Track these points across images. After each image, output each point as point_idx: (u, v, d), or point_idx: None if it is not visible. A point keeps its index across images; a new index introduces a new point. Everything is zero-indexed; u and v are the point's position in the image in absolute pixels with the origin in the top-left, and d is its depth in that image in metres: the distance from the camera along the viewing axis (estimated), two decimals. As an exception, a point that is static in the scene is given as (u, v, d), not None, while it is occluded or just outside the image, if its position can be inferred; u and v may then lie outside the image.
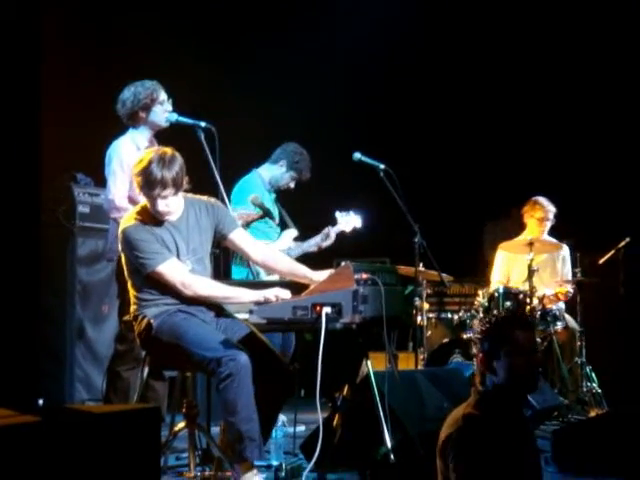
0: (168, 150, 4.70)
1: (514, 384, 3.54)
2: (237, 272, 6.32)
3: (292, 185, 6.76)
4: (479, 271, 8.61)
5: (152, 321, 4.67)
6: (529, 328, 3.62)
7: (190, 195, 4.87)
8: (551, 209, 7.61)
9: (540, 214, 7.60)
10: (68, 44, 7.70)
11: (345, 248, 6.81)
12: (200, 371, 4.74)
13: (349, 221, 6.69)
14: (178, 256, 4.73)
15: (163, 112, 5.69)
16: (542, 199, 7.63)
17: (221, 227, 4.89)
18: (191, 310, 4.71)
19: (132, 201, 5.50)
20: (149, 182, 4.60)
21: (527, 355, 3.54)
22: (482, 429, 3.48)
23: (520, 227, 7.78)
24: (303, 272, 4.88)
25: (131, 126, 5.73)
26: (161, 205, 4.66)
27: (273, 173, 6.74)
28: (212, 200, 5.01)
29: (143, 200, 4.83)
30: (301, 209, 7.06)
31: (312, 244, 6.65)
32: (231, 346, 4.54)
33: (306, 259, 6.64)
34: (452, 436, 3.50)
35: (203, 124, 5.52)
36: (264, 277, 6.17)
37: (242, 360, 4.46)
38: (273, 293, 4.60)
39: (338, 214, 6.69)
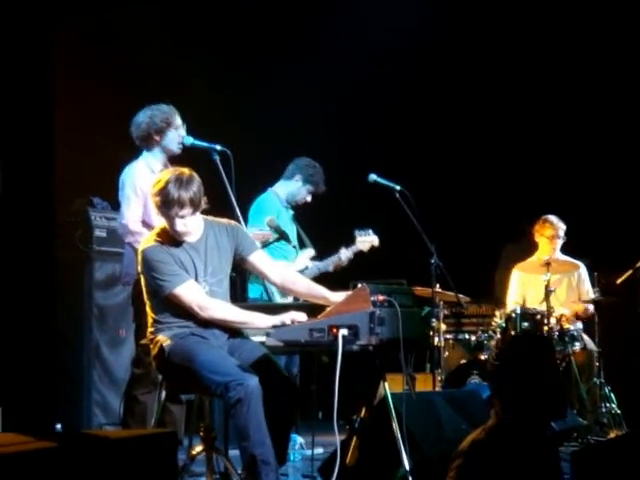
0: (186, 170, 4.73)
1: (539, 410, 3.48)
2: (252, 290, 6.32)
3: (309, 199, 6.78)
4: (495, 292, 8.59)
5: (165, 344, 4.67)
6: (554, 351, 3.58)
7: (210, 217, 4.89)
8: (561, 226, 7.59)
9: (550, 232, 7.58)
10: (83, 68, 7.75)
11: (361, 269, 6.81)
12: (210, 395, 4.73)
13: (367, 240, 6.70)
14: (196, 278, 4.73)
15: (177, 137, 5.72)
16: (551, 217, 7.62)
17: (241, 249, 4.90)
18: (204, 334, 4.71)
19: (146, 225, 5.51)
20: (167, 202, 4.62)
21: (557, 379, 3.50)
22: (487, 456, 3.42)
23: (535, 246, 7.76)
24: (321, 293, 4.88)
25: (145, 149, 5.75)
26: (179, 225, 4.68)
27: (289, 189, 6.76)
28: (232, 222, 5.03)
29: (158, 223, 4.85)
30: (318, 229, 7.07)
31: (329, 263, 6.67)
32: (240, 370, 4.54)
33: (322, 281, 6.64)
34: (455, 458, 3.46)
35: (219, 147, 5.55)
36: (278, 297, 6.17)
37: (251, 384, 4.45)
38: (289, 317, 4.61)
39: (357, 233, 6.70)
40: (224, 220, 4.98)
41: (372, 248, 6.74)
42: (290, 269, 5.54)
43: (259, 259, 4.97)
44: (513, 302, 7.65)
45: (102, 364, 7.06)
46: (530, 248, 8.50)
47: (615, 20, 8.63)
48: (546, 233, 7.59)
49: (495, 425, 3.51)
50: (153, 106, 5.74)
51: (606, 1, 8.71)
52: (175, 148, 5.74)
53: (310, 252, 6.72)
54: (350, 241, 6.72)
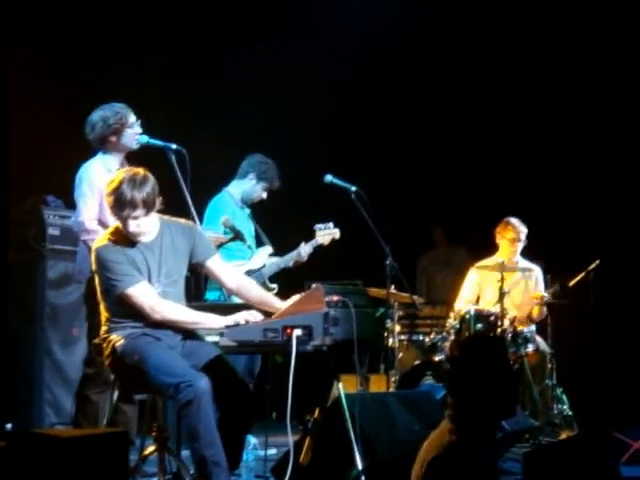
0: (140, 171, 4.71)
1: (491, 409, 3.51)
2: (210, 294, 6.31)
3: (264, 196, 6.77)
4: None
5: (117, 344, 4.66)
6: (506, 352, 3.62)
7: (167, 217, 4.87)
8: (522, 230, 7.62)
9: (511, 235, 7.61)
10: (36, 67, 7.67)
11: (317, 270, 6.81)
12: (162, 396, 4.72)
13: (328, 233, 6.70)
14: (149, 279, 4.72)
15: (133, 135, 5.68)
16: (514, 220, 7.64)
17: (198, 252, 4.89)
18: (157, 334, 4.70)
19: (102, 224, 5.48)
20: (119, 202, 4.60)
21: (509, 379, 3.53)
22: (464, 456, 3.45)
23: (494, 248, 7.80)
24: (273, 303, 4.88)
25: (101, 150, 5.71)
26: (132, 226, 4.65)
27: (243, 188, 6.74)
28: (190, 223, 5.03)
29: (113, 222, 4.82)
30: (276, 226, 7.07)
31: (288, 260, 6.66)
32: (190, 371, 4.54)
33: (279, 280, 6.65)
34: (435, 462, 3.47)
35: (174, 146, 5.54)
36: (236, 298, 6.16)
37: (201, 385, 4.45)
38: (243, 317, 4.63)
39: (317, 227, 6.70)
40: (181, 220, 4.97)
41: (333, 241, 6.74)
42: (246, 277, 5.51)
43: (216, 265, 4.97)
44: (465, 301, 7.67)
45: (54, 363, 6.99)
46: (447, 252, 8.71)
47: (598, 17, 8.69)
48: (508, 236, 7.62)
49: (457, 426, 3.53)
50: (105, 106, 5.69)
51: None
52: (132, 145, 5.70)
53: (268, 250, 6.71)
54: (309, 238, 6.72)
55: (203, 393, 4.44)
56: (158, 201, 4.71)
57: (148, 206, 4.64)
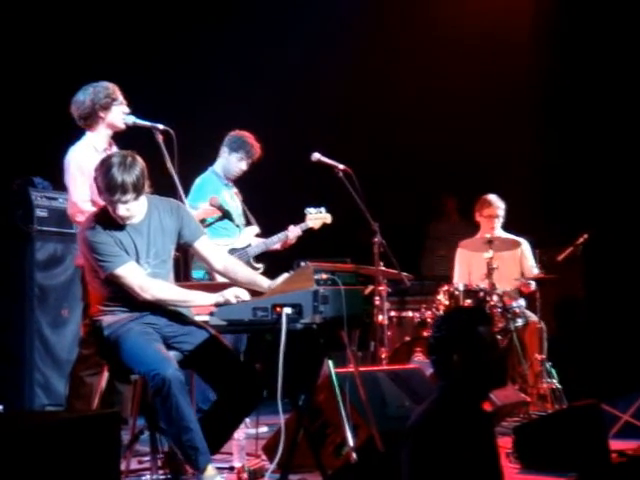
0: (129, 154, 4.68)
1: (482, 379, 3.53)
2: (195, 273, 6.31)
3: (243, 167, 6.78)
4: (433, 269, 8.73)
5: (104, 327, 4.69)
6: (490, 323, 3.64)
7: (155, 196, 4.86)
8: (499, 205, 7.67)
9: (488, 211, 7.67)
10: (18, 45, 7.63)
11: (306, 249, 6.81)
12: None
13: (319, 217, 6.71)
14: (137, 260, 4.72)
15: (121, 113, 5.66)
16: (491, 196, 7.69)
17: (186, 232, 4.89)
18: (145, 320, 4.71)
19: (95, 204, 5.46)
20: (110, 187, 4.59)
21: (495, 349, 3.55)
22: (440, 426, 3.47)
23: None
24: (260, 283, 4.88)
25: (88, 129, 5.68)
26: (122, 210, 4.64)
27: (223, 165, 6.81)
28: (178, 203, 5.02)
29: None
30: (263, 207, 7.06)
31: (275, 241, 6.67)
32: (159, 359, 4.55)
33: (266, 260, 6.65)
34: (409, 431, 3.50)
35: (161, 126, 5.54)
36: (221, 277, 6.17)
37: (168, 373, 4.48)
38: (232, 294, 4.63)
39: (308, 210, 6.70)
40: (169, 200, 4.97)
41: (324, 225, 6.76)
42: (233, 258, 5.51)
43: (204, 246, 4.97)
44: (458, 279, 7.71)
45: (44, 345, 6.99)
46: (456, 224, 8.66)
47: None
48: (485, 212, 7.69)
49: (440, 395, 3.55)
50: (93, 84, 5.67)
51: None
52: (120, 123, 5.68)
53: (254, 229, 6.73)
54: (298, 220, 6.72)
55: (171, 381, 4.46)
56: (147, 184, 4.69)
57: (138, 190, 4.62)
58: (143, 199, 4.73)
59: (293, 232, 6.70)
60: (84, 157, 5.57)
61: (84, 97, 5.63)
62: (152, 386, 4.50)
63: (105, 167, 4.61)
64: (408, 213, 9.36)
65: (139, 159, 4.68)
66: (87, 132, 5.69)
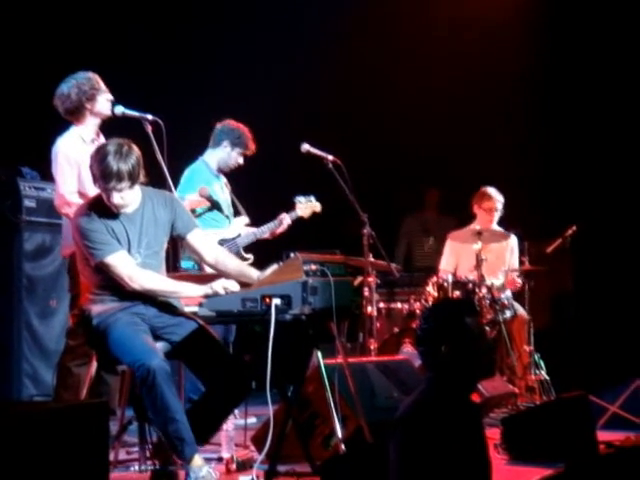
0: (125, 142, 4.67)
1: (470, 370, 3.54)
2: (184, 264, 6.29)
3: (240, 161, 6.73)
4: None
5: (93, 317, 4.69)
6: (477, 314, 3.65)
7: (149, 188, 4.86)
8: (499, 199, 7.67)
9: (488, 204, 7.65)
10: (4, 34, 7.60)
11: (295, 240, 6.80)
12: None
13: (309, 206, 6.70)
14: (129, 249, 4.72)
15: (106, 101, 5.64)
16: (491, 189, 7.68)
17: (179, 225, 4.89)
18: (134, 310, 4.71)
19: (82, 195, 5.46)
20: (105, 175, 4.58)
21: (482, 340, 3.56)
22: (428, 417, 3.48)
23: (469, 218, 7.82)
24: (250, 274, 4.87)
25: (75, 122, 5.64)
26: (116, 198, 4.64)
27: (220, 156, 6.70)
28: (171, 195, 5.03)
29: (94, 193, 4.80)
30: (253, 197, 7.05)
31: (265, 230, 6.65)
32: (145, 351, 4.55)
33: (255, 250, 6.64)
34: (397, 422, 3.50)
35: (150, 117, 5.52)
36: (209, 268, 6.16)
37: (154, 364, 4.48)
38: (221, 285, 4.62)
39: (297, 199, 6.69)
40: (163, 192, 4.97)
41: (313, 214, 6.75)
42: (223, 250, 5.51)
43: (197, 239, 4.96)
44: (445, 270, 7.70)
45: (32, 335, 6.97)
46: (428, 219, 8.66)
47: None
48: (484, 205, 7.67)
49: (428, 386, 3.55)
50: (74, 75, 5.63)
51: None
52: (107, 111, 5.65)
53: (244, 220, 6.71)
54: (287, 209, 6.71)
55: (156, 371, 4.46)
56: (142, 173, 4.69)
57: (133, 178, 4.62)
58: (137, 189, 4.73)
59: (283, 221, 6.67)
60: (72, 148, 5.55)
61: (68, 90, 5.58)
62: (138, 376, 4.51)
63: (101, 154, 4.60)
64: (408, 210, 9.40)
65: (135, 148, 4.68)
66: (72, 125, 5.65)
